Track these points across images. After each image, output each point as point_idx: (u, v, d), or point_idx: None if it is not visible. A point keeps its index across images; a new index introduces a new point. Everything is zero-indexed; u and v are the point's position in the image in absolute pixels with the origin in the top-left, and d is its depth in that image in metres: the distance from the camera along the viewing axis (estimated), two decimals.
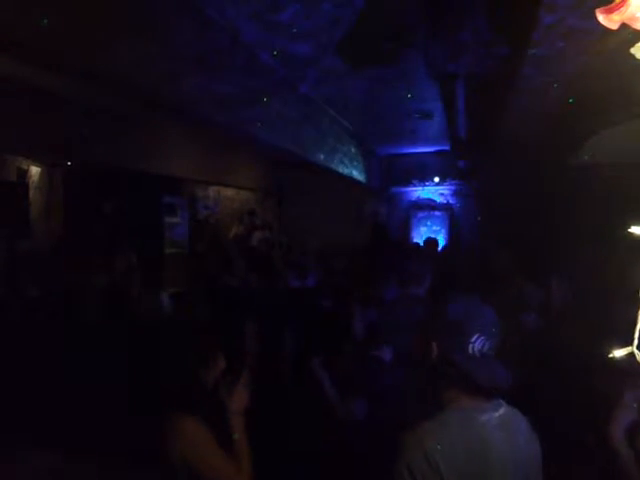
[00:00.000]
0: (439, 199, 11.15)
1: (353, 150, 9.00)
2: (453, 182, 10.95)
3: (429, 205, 11.19)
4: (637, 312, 0.91)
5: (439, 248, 7.45)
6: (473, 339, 1.57)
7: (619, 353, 0.95)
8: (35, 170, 5.51)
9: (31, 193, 5.43)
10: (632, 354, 0.94)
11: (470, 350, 1.58)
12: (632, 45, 0.98)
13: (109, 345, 3.19)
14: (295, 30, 4.43)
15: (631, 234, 0.91)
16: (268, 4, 3.94)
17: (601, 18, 0.95)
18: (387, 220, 11.31)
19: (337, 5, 4.00)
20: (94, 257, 4.66)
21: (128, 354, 2.91)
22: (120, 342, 3.24)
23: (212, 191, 7.99)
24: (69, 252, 5.19)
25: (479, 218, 10.28)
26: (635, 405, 2.42)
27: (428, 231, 10.96)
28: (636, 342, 0.94)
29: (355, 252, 7.24)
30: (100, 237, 5.23)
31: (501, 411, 1.61)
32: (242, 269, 5.06)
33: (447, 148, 9.35)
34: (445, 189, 11.09)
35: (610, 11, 0.94)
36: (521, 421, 1.67)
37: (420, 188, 11.21)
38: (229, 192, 8.47)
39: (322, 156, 7.39)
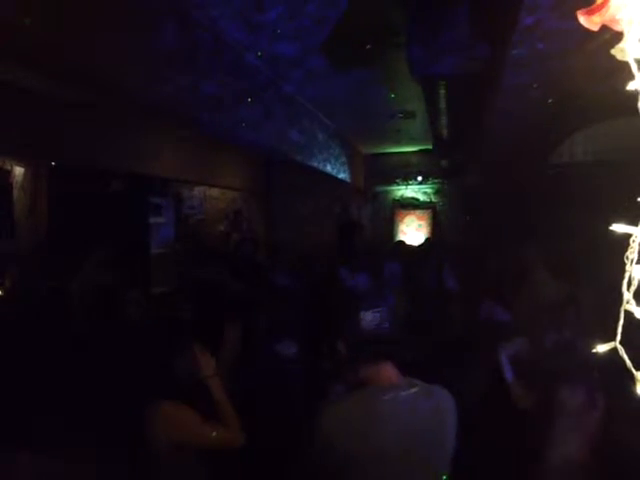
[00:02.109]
0: (422, 197, 11.25)
1: (337, 150, 9.05)
2: (436, 181, 11.06)
3: (412, 204, 11.28)
4: (619, 308, 0.95)
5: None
6: (361, 316, 1.71)
7: (602, 348, 0.99)
8: (19, 170, 5.47)
9: (15, 193, 5.39)
10: (615, 349, 0.98)
11: (363, 325, 1.71)
12: (612, 46, 1.02)
13: (93, 343, 3.19)
14: (279, 31, 4.46)
15: (612, 232, 0.95)
16: (252, 5, 3.97)
17: (582, 19, 0.99)
18: (365, 218, 11.37)
19: (321, 6, 4.03)
20: (79, 257, 4.64)
21: (111, 351, 2.92)
22: (104, 340, 3.24)
23: (198, 191, 7.97)
24: (53, 252, 5.16)
25: (468, 218, 10.37)
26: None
27: (411, 229, 11.06)
28: (619, 338, 0.98)
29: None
30: (85, 237, 5.20)
31: (411, 390, 1.72)
32: (220, 269, 5.08)
33: (430, 147, 9.44)
34: (428, 188, 11.19)
35: (591, 12, 0.98)
36: (441, 398, 1.79)
37: (403, 187, 11.30)
38: (215, 192, 8.46)
39: (307, 156, 7.42)
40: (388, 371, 1.75)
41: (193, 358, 2.10)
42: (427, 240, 8.98)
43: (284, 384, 2.77)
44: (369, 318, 1.71)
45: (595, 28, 1.00)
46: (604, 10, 0.95)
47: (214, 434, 1.95)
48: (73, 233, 5.39)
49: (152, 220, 6.63)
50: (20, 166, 5.48)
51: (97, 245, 4.96)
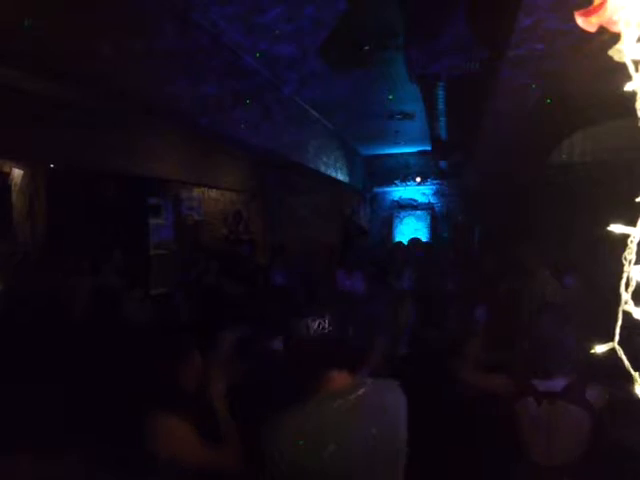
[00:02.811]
0: (421, 198, 11.26)
1: (336, 151, 9.05)
2: (434, 182, 11.08)
3: (411, 205, 11.29)
4: (618, 308, 0.95)
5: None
6: (307, 322, 1.72)
7: (600, 349, 0.99)
8: (17, 173, 5.46)
9: (14, 196, 5.39)
10: (614, 350, 0.98)
11: (311, 332, 1.72)
12: (610, 46, 1.02)
13: (93, 346, 3.19)
14: (278, 32, 4.47)
15: (610, 232, 0.95)
16: (251, 6, 3.97)
17: (579, 21, 0.99)
18: (365, 219, 11.39)
19: (320, 8, 4.04)
20: (79, 259, 4.64)
21: (112, 355, 2.92)
22: (104, 343, 3.24)
23: (197, 192, 7.97)
24: (53, 254, 5.15)
25: (460, 218, 10.39)
26: None
27: (410, 230, 11.06)
28: (617, 338, 0.97)
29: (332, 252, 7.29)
30: (85, 239, 5.20)
31: (360, 391, 1.73)
32: (216, 270, 5.09)
33: (429, 148, 9.45)
34: (427, 189, 11.21)
35: (588, 14, 0.98)
36: (386, 395, 1.80)
37: (402, 188, 11.31)
38: (213, 193, 8.45)
39: (306, 157, 7.42)
40: (336, 376, 1.74)
41: (205, 375, 2.08)
42: (430, 242, 8.99)
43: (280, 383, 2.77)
44: (312, 326, 1.73)
45: (592, 29, 1.00)
46: (601, 11, 0.95)
47: (211, 458, 1.93)
48: (72, 235, 5.38)
49: (151, 221, 6.63)
50: (19, 168, 5.48)
51: (96, 247, 4.97)
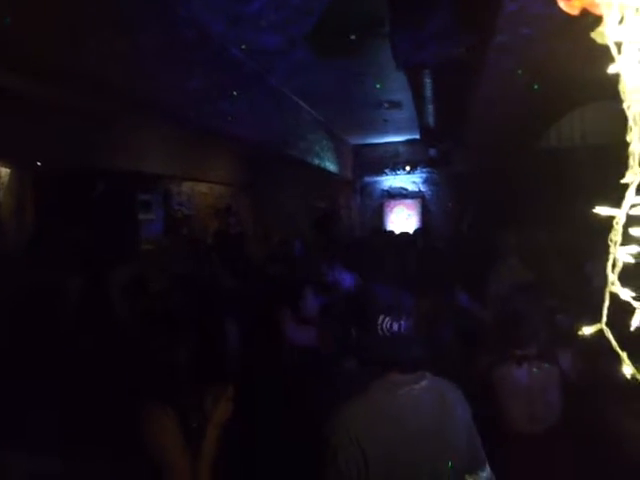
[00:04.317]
0: (411, 187, 11.27)
1: (325, 141, 9.03)
2: (424, 170, 11.09)
3: (401, 193, 11.30)
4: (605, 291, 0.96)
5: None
6: (379, 321, 1.71)
7: (588, 330, 1.00)
8: (4, 171, 5.42)
9: (0, 194, 5.34)
10: (601, 331, 0.99)
11: (380, 331, 1.72)
12: (594, 29, 1.03)
13: (84, 342, 3.19)
14: (263, 22, 4.44)
15: (595, 215, 0.96)
16: None
17: (562, 4, 0.99)
18: (355, 209, 11.40)
19: None
20: (68, 256, 4.61)
21: (103, 348, 2.92)
22: (95, 338, 3.23)
23: (186, 187, 7.93)
24: (42, 252, 5.11)
25: (450, 204, 10.42)
26: None
27: (400, 219, 11.09)
28: (604, 319, 0.98)
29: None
30: (74, 236, 5.16)
31: (423, 383, 1.74)
32: (217, 264, 5.07)
33: (418, 137, 9.45)
34: (416, 177, 11.22)
35: None
36: (446, 391, 1.80)
37: (392, 177, 11.32)
38: (203, 187, 8.42)
39: (294, 148, 7.40)
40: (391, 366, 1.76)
41: (214, 400, 2.07)
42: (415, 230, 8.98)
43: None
44: (388, 326, 1.72)
45: (575, 12, 1.00)
46: None
47: (184, 462, 1.92)
48: (61, 232, 5.35)
49: (141, 217, 6.60)
50: (5, 167, 5.43)
51: (85, 244, 4.94)
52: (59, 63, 3.18)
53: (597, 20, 1.01)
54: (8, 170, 5.47)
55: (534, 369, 2.51)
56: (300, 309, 3.48)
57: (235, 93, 5.22)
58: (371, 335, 1.73)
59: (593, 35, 0.99)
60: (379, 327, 1.71)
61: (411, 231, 8.28)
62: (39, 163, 5.42)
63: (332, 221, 7.16)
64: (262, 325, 3.54)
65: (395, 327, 1.71)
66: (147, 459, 1.90)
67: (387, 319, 1.71)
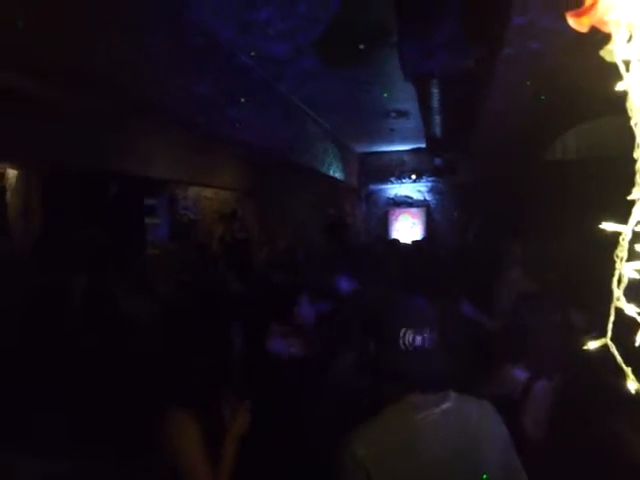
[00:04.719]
0: (416, 196, 11.28)
1: (331, 149, 9.05)
2: (430, 179, 11.10)
3: (406, 202, 11.31)
4: (610, 306, 0.97)
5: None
6: (401, 334, 1.57)
7: (593, 345, 1.00)
8: (12, 173, 5.45)
9: (8, 196, 5.37)
10: (606, 346, 1.00)
11: (402, 345, 1.58)
12: (604, 44, 1.04)
13: (90, 343, 3.20)
14: (272, 31, 4.47)
15: (602, 230, 0.97)
16: (244, 5, 3.97)
17: (571, 21, 1.00)
18: (360, 217, 11.40)
19: (314, 6, 4.04)
20: (75, 259, 4.63)
21: (112, 351, 2.93)
22: (102, 340, 3.25)
23: (191, 192, 7.96)
24: (48, 254, 5.13)
25: (455, 213, 10.42)
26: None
27: (405, 227, 11.09)
28: (609, 334, 0.99)
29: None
30: (80, 239, 5.19)
31: (445, 405, 1.59)
32: (222, 269, 5.09)
33: (424, 146, 9.46)
34: (422, 186, 11.22)
35: (580, 14, 1.00)
36: (474, 411, 1.64)
37: (397, 185, 11.33)
38: (208, 193, 8.44)
39: (300, 155, 7.42)
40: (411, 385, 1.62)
41: (233, 411, 2.07)
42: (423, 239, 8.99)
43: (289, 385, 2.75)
44: (412, 341, 1.58)
45: (584, 30, 1.01)
46: (593, 12, 0.97)
47: (205, 471, 1.92)
48: (67, 235, 5.38)
49: (147, 221, 6.63)
50: (13, 169, 5.46)
51: (92, 247, 4.96)
52: (68, 66, 3.21)
53: (606, 36, 1.02)
54: (15, 172, 5.51)
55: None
56: (294, 317, 3.43)
57: (243, 100, 5.25)
58: (390, 349, 1.59)
59: (602, 53, 1.00)
60: (400, 340, 1.57)
61: (416, 240, 8.28)
62: (46, 165, 5.46)
63: (343, 228, 7.15)
64: (259, 333, 3.54)
65: (418, 341, 1.57)
66: (165, 465, 1.89)
67: (409, 332, 1.58)
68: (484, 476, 1.54)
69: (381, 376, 1.68)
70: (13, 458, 1.84)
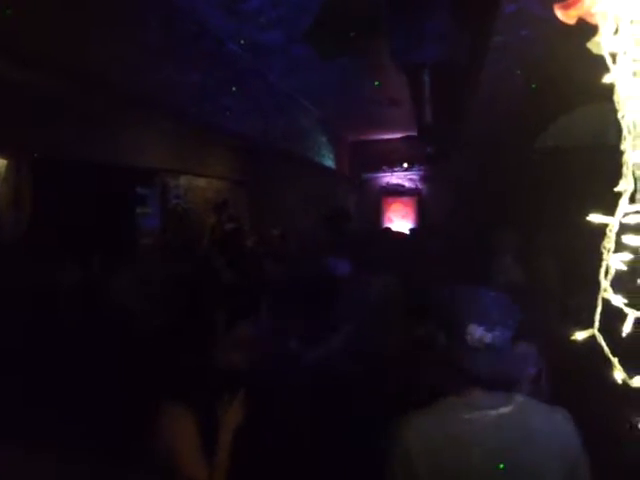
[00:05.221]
0: (408, 184, 11.29)
1: (323, 137, 9.04)
2: (421, 167, 11.10)
3: (398, 190, 11.32)
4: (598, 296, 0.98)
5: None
6: (470, 329, 1.49)
7: (581, 335, 1.02)
8: (1, 162, 5.40)
9: None
10: (593, 336, 1.01)
11: (469, 341, 1.49)
12: (592, 32, 1.04)
13: (84, 338, 3.19)
14: (263, 19, 4.44)
15: (589, 222, 0.98)
16: None
17: (559, 13, 1.01)
18: (352, 205, 11.40)
19: None
20: (65, 249, 4.61)
21: (108, 346, 2.92)
22: (97, 335, 3.24)
23: (183, 181, 7.93)
24: (38, 244, 5.11)
25: (447, 201, 10.45)
26: None
27: (398, 216, 11.11)
28: (597, 325, 1.00)
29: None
30: (71, 229, 5.16)
31: (506, 408, 1.50)
32: (215, 259, 5.09)
33: (415, 134, 9.46)
34: (414, 174, 11.23)
35: (567, 7, 1.00)
36: (538, 420, 1.52)
37: (389, 174, 11.33)
38: (201, 182, 8.41)
39: (292, 144, 7.41)
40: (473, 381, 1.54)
41: (225, 405, 2.06)
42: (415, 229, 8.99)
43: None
44: (479, 335, 1.49)
45: (572, 22, 1.02)
46: (579, 4, 0.97)
47: (199, 466, 1.91)
48: (57, 225, 5.35)
49: (138, 210, 6.60)
50: (2, 158, 5.42)
51: (82, 237, 4.94)
52: (58, 56, 3.19)
53: (594, 26, 1.03)
54: (5, 161, 5.46)
55: None
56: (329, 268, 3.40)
57: (234, 88, 5.22)
58: (457, 343, 1.51)
59: (589, 45, 1.01)
60: (469, 336, 1.48)
61: (412, 228, 8.29)
62: (36, 155, 5.42)
63: (345, 218, 7.15)
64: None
65: (488, 338, 1.47)
66: (159, 459, 1.89)
67: (478, 328, 1.48)
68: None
69: (444, 368, 1.62)
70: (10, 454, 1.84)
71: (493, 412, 1.49)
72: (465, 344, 1.49)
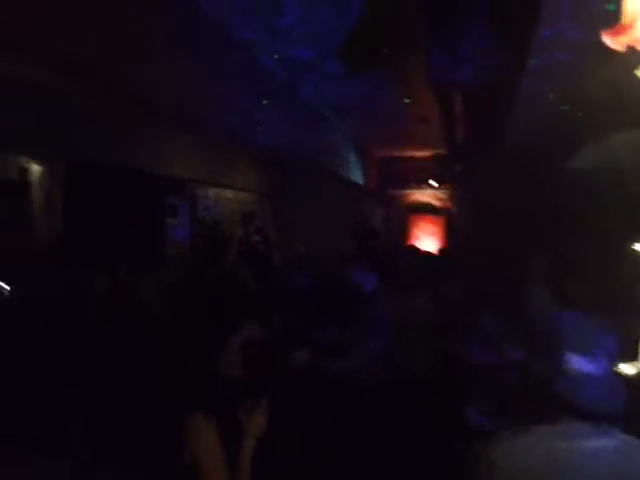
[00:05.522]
0: (436, 203, 11.20)
1: (351, 153, 9.05)
2: (450, 186, 11.00)
3: (426, 208, 11.24)
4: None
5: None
6: (569, 357, 1.44)
7: (628, 370, 0.99)
8: (36, 168, 5.52)
9: (32, 191, 5.44)
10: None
11: (567, 370, 1.44)
12: (633, 59, 1.03)
13: (113, 345, 3.22)
14: (296, 34, 4.48)
15: (635, 251, 0.96)
16: (270, 9, 3.99)
17: (608, 40, 0.99)
18: (379, 222, 11.35)
19: (337, 11, 4.05)
20: (96, 256, 4.68)
21: (134, 353, 2.94)
22: (124, 341, 3.27)
23: (212, 192, 8.01)
24: (70, 250, 5.19)
25: (475, 221, 10.33)
26: None
27: (425, 234, 11.01)
28: None
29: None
30: (102, 236, 5.24)
31: (603, 441, 1.40)
32: (244, 270, 5.11)
33: (444, 152, 9.41)
34: (442, 192, 11.14)
35: (617, 33, 0.99)
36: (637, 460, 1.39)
37: (417, 191, 11.26)
38: (229, 193, 8.50)
39: (321, 158, 7.43)
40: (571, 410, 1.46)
41: (249, 412, 2.06)
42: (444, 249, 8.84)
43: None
44: (578, 364, 1.43)
45: (621, 49, 1.01)
46: (630, 32, 0.96)
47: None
48: (89, 232, 5.44)
49: (168, 221, 6.68)
50: (37, 164, 5.53)
51: (113, 244, 5.02)
52: (96, 69, 3.26)
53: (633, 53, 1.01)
54: (39, 167, 5.58)
55: None
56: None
57: (265, 103, 5.27)
58: (552, 372, 1.46)
59: (636, 72, 0.99)
60: (565, 364, 1.44)
61: (441, 248, 8.21)
62: (69, 161, 5.53)
63: (372, 235, 7.16)
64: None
65: (587, 368, 1.41)
66: (182, 468, 1.89)
67: (577, 358, 1.43)
68: None
69: (539, 393, 1.58)
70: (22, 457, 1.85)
71: (589, 443, 1.40)
72: (562, 372, 1.44)
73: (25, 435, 2.08)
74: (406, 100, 6.53)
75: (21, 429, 2.15)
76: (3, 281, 4.54)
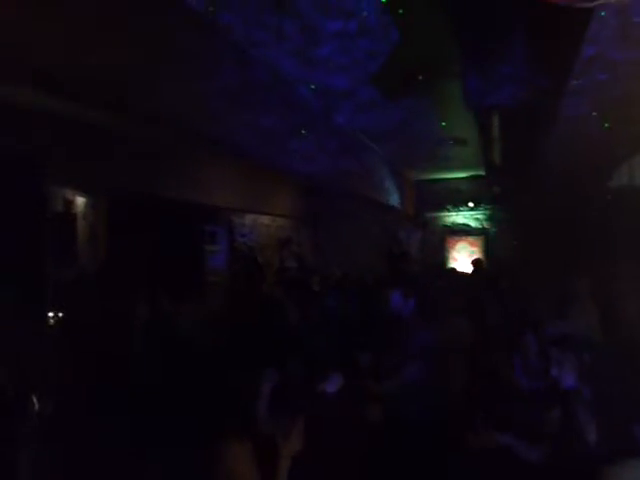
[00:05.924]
0: (474, 224, 11.08)
1: (387, 177, 9.05)
2: (488, 207, 10.89)
3: (464, 230, 11.13)
4: None
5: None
6: None
7: None
8: (80, 200, 5.68)
9: (77, 223, 5.59)
10: None
11: None
12: None
13: (154, 372, 3.24)
14: (332, 64, 4.53)
15: None
16: (308, 41, 4.05)
17: None
18: (416, 245, 11.26)
19: (373, 39, 4.08)
20: (137, 286, 4.74)
21: (173, 381, 2.96)
22: (164, 370, 3.29)
23: (248, 219, 8.10)
24: (111, 280, 5.29)
25: (515, 242, 10.17)
26: None
27: (463, 256, 10.88)
28: None
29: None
30: (144, 266, 5.33)
31: None
32: (282, 298, 5.11)
33: (482, 173, 9.33)
34: (480, 214, 11.03)
35: None
36: None
37: (454, 213, 11.18)
38: (265, 220, 8.57)
39: (357, 184, 7.44)
40: None
41: (285, 432, 2.07)
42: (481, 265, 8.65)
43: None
44: None
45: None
46: None
47: None
48: (131, 261, 5.54)
49: (207, 248, 6.77)
50: (81, 196, 5.69)
51: (155, 274, 5.09)
52: (138, 101, 3.35)
53: None
54: (83, 199, 5.74)
55: None
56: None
57: (303, 131, 5.32)
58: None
59: None
60: None
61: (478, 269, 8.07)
62: (112, 193, 5.67)
63: (405, 258, 7.11)
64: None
65: None
66: None
67: None
68: None
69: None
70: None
71: None
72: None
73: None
74: (442, 123, 6.51)
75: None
76: (50, 310, 4.65)
